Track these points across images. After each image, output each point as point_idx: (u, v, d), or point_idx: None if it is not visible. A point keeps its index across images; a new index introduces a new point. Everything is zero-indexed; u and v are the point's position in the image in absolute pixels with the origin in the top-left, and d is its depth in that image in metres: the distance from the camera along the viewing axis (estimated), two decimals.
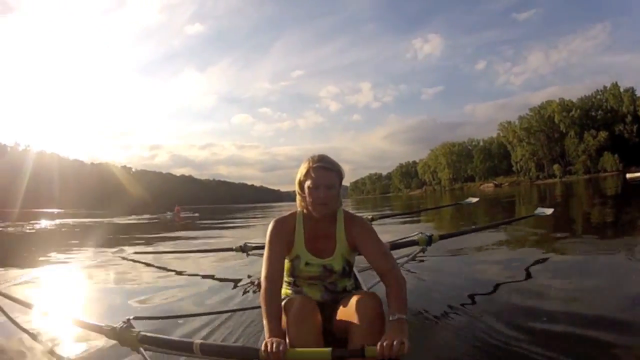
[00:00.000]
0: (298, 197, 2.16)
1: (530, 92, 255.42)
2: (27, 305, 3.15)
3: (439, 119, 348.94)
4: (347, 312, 1.91)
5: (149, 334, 2.06)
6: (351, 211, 2.35)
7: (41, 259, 8.13)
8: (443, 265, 5.31)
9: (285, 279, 2.21)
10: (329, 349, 1.67)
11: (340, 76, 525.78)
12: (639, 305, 3.17)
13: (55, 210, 55.75)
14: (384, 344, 1.61)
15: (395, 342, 1.60)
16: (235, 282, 5.33)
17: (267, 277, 1.99)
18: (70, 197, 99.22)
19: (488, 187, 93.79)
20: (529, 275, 4.32)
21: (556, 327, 2.73)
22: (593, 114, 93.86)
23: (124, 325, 2.10)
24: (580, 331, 2.64)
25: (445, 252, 5.72)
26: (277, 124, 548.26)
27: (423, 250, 4.04)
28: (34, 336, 3.11)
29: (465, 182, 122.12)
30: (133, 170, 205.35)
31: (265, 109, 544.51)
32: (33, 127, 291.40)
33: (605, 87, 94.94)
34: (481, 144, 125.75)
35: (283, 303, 1.99)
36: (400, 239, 4.56)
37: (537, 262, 4.93)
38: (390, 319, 1.78)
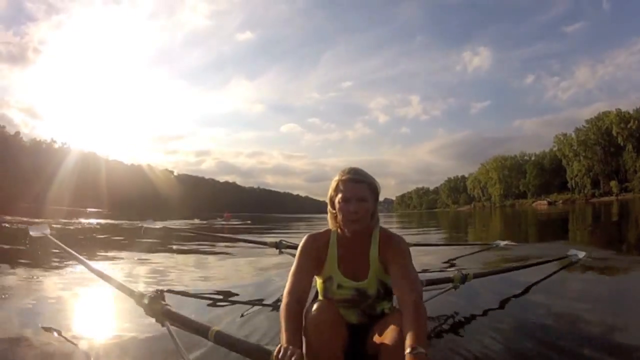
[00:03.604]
0: (329, 215, 2.11)
1: (577, 108, 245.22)
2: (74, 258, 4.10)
3: (485, 133, 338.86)
4: (379, 331, 1.86)
5: (172, 309, 2.14)
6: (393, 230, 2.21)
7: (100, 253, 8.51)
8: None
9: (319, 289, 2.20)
10: None
11: (390, 88, 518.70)
12: None
13: (97, 210, 58.00)
14: None
15: None
16: (266, 277, 5.73)
17: (289, 292, 1.91)
18: (109, 198, 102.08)
19: (541, 204, 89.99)
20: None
21: None
22: None
23: (153, 295, 2.18)
24: None
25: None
26: (325, 134, 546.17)
27: (455, 288, 3.58)
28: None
29: (517, 199, 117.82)
30: (175, 173, 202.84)
31: (314, 119, 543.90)
32: (74, 127, 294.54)
33: None
34: (533, 158, 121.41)
35: (305, 309, 1.92)
36: (435, 276, 4.33)
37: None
38: (407, 352, 1.54)
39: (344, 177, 2.01)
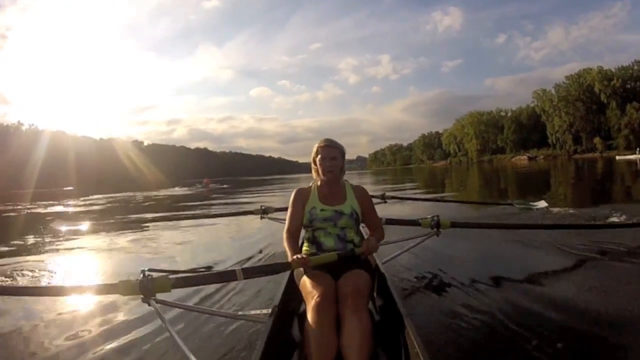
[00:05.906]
0: (313, 169, 2.95)
1: (550, 68, 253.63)
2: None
3: (458, 92, 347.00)
4: (342, 283, 2.38)
5: (179, 275, 2.41)
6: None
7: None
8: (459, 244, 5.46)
9: (305, 235, 2.92)
10: (335, 252, 2.52)
11: (359, 48, 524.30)
12: None
13: (68, 189, 59.53)
14: (367, 245, 2.58)
15: (371, 244, 2.59)
16: (250, 243, 6.38)
17: (288, 230, 2.79)
18: (80, 175, 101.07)
19: (521, 159, 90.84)
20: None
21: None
22: (630, 85, 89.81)
23: (144, 276, 2.25)
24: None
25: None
26: (295, 96, 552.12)
27: (437, 234, 4.01)
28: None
29: (494, 154, 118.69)
30: (145, 144, 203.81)
31: (284, 82, 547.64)
32: (45, 109, 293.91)
33: None
34: (509, 114, 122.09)
35: (300, 282, 2.50)
36: (401, 218, 4.67)
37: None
38: (367, 239, 2.70)
39: (322, 144, 2.88)
